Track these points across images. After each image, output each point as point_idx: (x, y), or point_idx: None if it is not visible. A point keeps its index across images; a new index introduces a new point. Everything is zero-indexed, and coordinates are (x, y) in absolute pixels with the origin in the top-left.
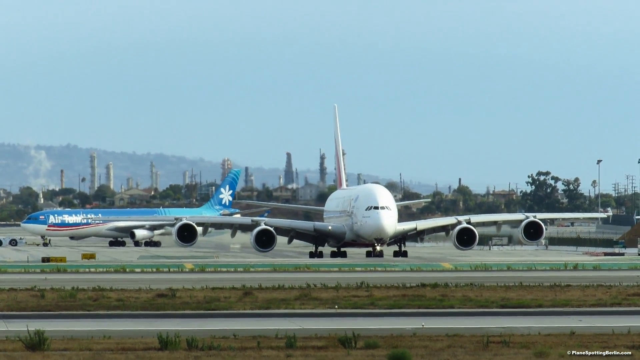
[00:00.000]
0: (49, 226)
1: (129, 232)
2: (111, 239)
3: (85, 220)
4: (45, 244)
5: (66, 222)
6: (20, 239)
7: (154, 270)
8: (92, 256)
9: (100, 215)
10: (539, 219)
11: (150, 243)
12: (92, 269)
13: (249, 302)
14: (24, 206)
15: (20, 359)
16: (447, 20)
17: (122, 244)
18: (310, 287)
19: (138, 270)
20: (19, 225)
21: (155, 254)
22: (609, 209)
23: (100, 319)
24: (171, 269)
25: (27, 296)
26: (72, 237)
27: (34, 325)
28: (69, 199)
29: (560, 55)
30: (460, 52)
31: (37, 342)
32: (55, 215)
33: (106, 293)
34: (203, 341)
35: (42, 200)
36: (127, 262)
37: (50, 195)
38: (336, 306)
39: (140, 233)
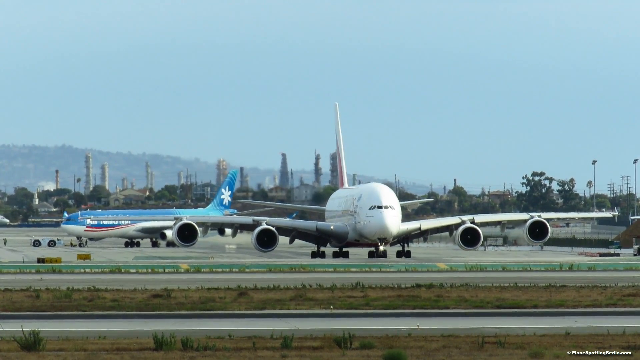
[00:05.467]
0: (87, 227)
1: (159, 232)
2: (127, 240)
3: (117, 222)
4: (80, 245)
5: (102, 223)
6: (58, 239)
7: (149, 270)
8: (87, 257)
9: (128, 215)
10: (544, 219)
11: (171, 244)
12: (88, 270)
13: (244, 303)
14: (19, 207)
15: (15, 359)
16: (442, 22)
17: (137, 244)
18: (306, 287)
19: (133, 270)
20: (15, 226)
21: (150, 255)
22: (603, 209)
23: (96, 319)
24: (166, 270)
25: (23, 297)
26: (91, 238)
27: (29, 326)
28: (64, 199)
29: (555, 57)
30: (455, 53)
31: (32, 343)
32: (92, 216)
33: (101, 293)
34: (198, 341)
35: (37, 201)
36: (123, 263)
37: (45, 195)
38: (331, 307)
39: (170, 234)
